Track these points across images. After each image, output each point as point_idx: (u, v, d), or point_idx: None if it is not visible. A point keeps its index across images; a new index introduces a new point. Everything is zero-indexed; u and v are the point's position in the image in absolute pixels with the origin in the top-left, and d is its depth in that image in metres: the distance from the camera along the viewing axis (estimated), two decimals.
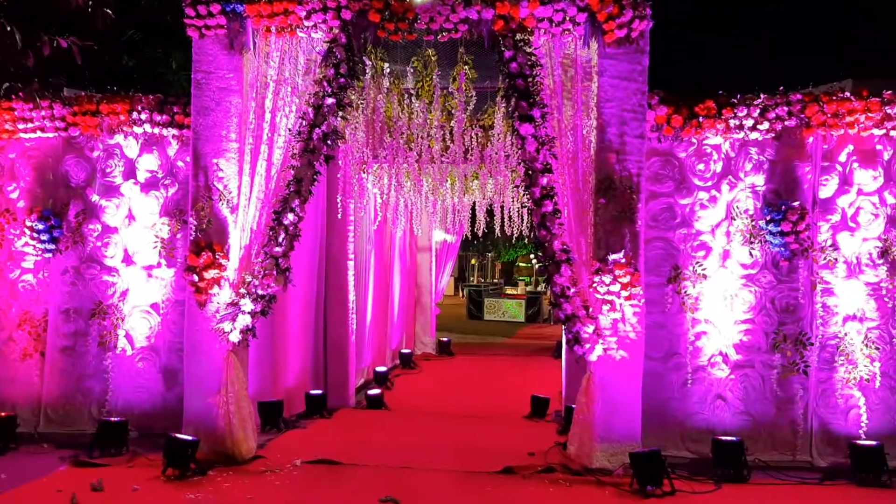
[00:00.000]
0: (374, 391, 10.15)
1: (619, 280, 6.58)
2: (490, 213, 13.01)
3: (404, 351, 13.96)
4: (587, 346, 6.63)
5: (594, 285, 6.64)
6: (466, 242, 22.56)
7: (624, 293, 6.61)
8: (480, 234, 14.59)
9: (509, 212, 12.46)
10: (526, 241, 16.21)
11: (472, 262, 45.24)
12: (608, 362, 6.69)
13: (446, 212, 13.88)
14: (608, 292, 6.62)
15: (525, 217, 12.53)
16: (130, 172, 7.65)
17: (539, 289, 33.75)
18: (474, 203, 13.09)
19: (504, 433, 8.47)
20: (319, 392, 9.38)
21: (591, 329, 6.61)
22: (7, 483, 6.15)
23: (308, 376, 9.66)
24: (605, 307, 6.65)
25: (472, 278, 43.77)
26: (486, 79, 7.96)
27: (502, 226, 12.90)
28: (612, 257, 6.61)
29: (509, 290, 32.05)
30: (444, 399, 11.01)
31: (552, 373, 12.60)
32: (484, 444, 7.84)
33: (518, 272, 44.02)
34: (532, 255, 36.46)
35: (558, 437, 7.87)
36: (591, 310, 6.66)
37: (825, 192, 7.04)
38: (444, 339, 15.72)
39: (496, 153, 8.63)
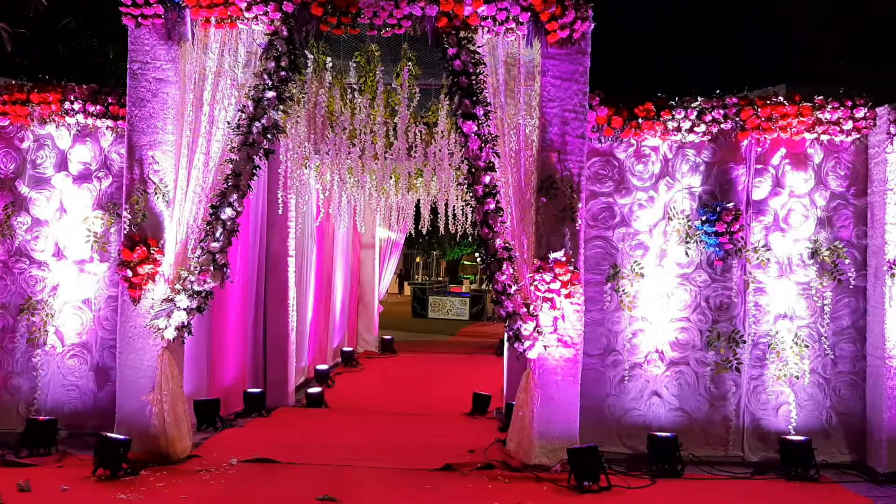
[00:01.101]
0: (315, 389, 10.06)
1: (560, 278, 6.64)
2: (434, 211, 13.00)
3: (346, 349, 13.87)
4: (527, 343, 6.67)
5: (535, 283, 6.69)
6: (411, 240, 22.55)
7: (564, 291, 6.67)
8: (425, 232, 14.56)
9: (453, 210, 12.46)
10: (470, 239, 16.19)
11: (417, 260, 45.16)
12: (548, 359, 6.75)
13: (390, 209, 13.84)
14: (548, 290, 6.68)
15: (469, 215, 12.51)
16: (62, 164, 7.41)
17: (483, 287, 33.92)
18: (419, 201, 13.05)
19: (445, 430, 8.48)
20: (258, 391, 9.26)
21: (531, 326, 6.66)
22: None
23: (246, 374, 9.52)
24: (546, 305, 6.71)
25: (416, 276, 43.71)
26: (430, 76, 7.95)
27: (447, 224, 12.91)
28: (552, 255, 6.66)
29: (454, 289, 32.07)
30: (386, 397, 10.99)
31: (495, 370, 12.66)
32: (425, 441, 7.83)
33: (463, 270, 44.04)
34: (477, 254, 36.56)
35: (499, 434, 7.91)
36: (531, 307, 6.71)
37: (758, 194, 7.22)
38: (387, 336, 15.68)
39: (440, 151, 8.62)
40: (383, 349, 15.40)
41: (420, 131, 8.50)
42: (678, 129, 7.08)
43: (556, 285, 6.65)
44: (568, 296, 6.70)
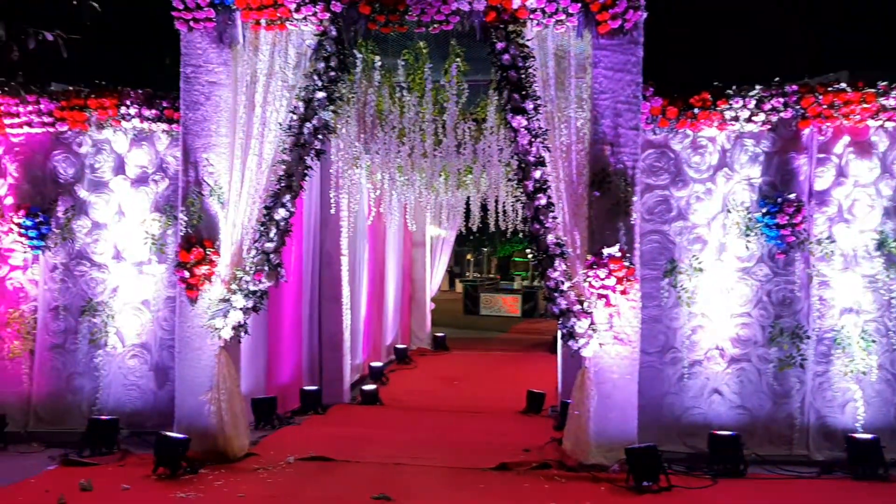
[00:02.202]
0: (369, 387, 10.11)
1: (615, 274, 6.50)
2: (484, 208, 12.93)
3: (399, 346, 13.90)
4: (582, 341, 6.56)
5: (588, 279, 6.57)
6: (462, 237, 22.45)
7: (619, 287, 6.54)
8: (476, 229, 14.49)
9: (503, 206, 12.36)
10: (521, 235, 16.06)
11: (469, 257, 45.16)
12: (603, 357, 6.62)
13: (440, 207, 13.81)
14: (603, 286, 6.55)
15: (519, 211, 12.43)
16: (120, 168, 7.56)
17: (536, 284, 33.74)
18: (468, 198, 12.99)
19: (499, 429, 8.42)
20: (314, 388, 9.34)
21: (585, 324, 6.54)
22: None
23: (302, 372, 9.61)
24: (600, 302, 6.58)
25: (468, 273, 43.70)
26: (479, 72, 7.86)
27: (497, 221, 12.82)
28: (606, 251, 6.53)
29: (505, 286, 31.99)
30: (440, 394, 10.97)
31: (548, 368, 12.47)
32: (479, 439, 7.78)
33: (514, 267, 43.95)
34: (528, 250, 36.47)
35: (554, 433, 7.82)
36: (585, 304, 6.59)
37: (821, 184, 6.97)
38: (440, 334, 15.66)
39: (489, 147, 8.54)
40: (436, 346, 15.39)
41: (469, 128, 8.43)
42: (736, 118, 6.88)
43: (610, 281, 6.52)
44: (623, 292, 6.56)
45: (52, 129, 7.51)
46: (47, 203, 7.56)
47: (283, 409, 8.67)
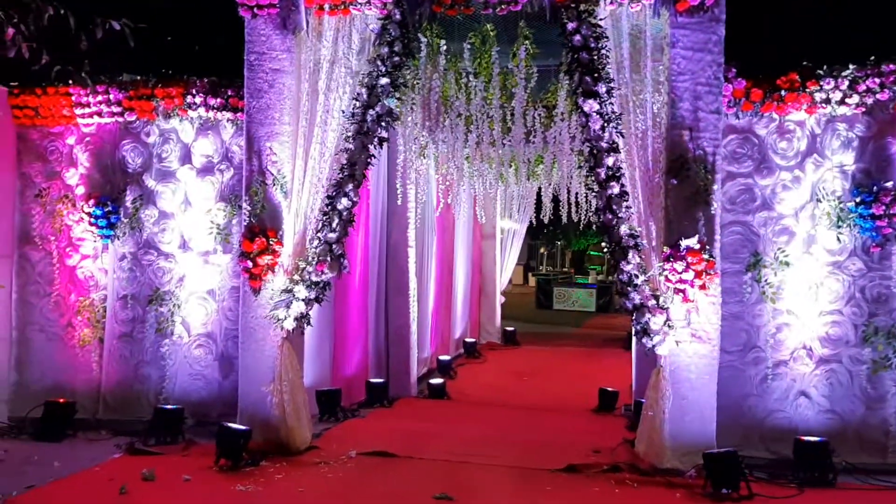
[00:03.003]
0: (437, 381, 9.95)
1: (693, 267, 6.11)
2: (556, 199, 12.59)
3: (468, 340, 13.68)
4: (657, 338, 6.19)
5: (665, 273, 6.19)
6: (535, 230, 22.03)
7: (698, 282, 6.14)
8: (547, 222, 14.13)
9: (576, 197, 11.97)
10: (595, 227, 15.57)
11: (542, 250, 44.60)
12: (680, 356, 6.24)
13: (511, 198, 13.52)
14: (680, 280, 6.16)
15: (593, 202, 12.02)
16: (186, 157, 7.55)
17: (611, 278, 32.84)
18: (539, 189, 12.65)
19: (569, 427, 8.12)
20: (380, 381, 9.21)
21: (661, 320, 6.17)
22: (60, 470, 6.12)
23: (369, 364, 9.50)
24: (677, 297, 6.20)
25: (541, 267, 43.17)
26: (548, 56, 7.53)
27: (569, 212, 12.46)
28: (684, 243, 6.13)
29: (580, 280, 31.36)
30: (508, 390, 10.71)
31: (622, 365, 12.03)
32: (547, 438, 7.50)
33: (589, 261, 43.11)
34: (603, 244, 35.64)
35: (627, 434, 7.48)
36: (661, 299, 6.22)
37: None
38: (510, 328, 15.36)
39: (559, 134, 8.20)
40: (506, 341, 15.10)
41: (539, 114, 8.11)
42: (827, 100, 6.38)
43: (688, 275, 6.12)
44: (702, 287, 6.16)
45: (120, 119, 7.57)
46: (116, 192, 7.62)
47: (349, 402, 8.56)
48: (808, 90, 6.37)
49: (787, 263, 6.54)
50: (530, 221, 14.52)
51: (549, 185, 11.17)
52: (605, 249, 6.40)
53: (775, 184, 6.59)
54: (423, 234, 10.60)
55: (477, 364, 12.86)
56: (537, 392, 10.45)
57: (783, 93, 6.40)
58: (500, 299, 15.22)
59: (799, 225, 6.57)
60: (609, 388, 9.19)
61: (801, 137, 6.56)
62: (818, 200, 6.52)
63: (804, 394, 6.53)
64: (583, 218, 12.48)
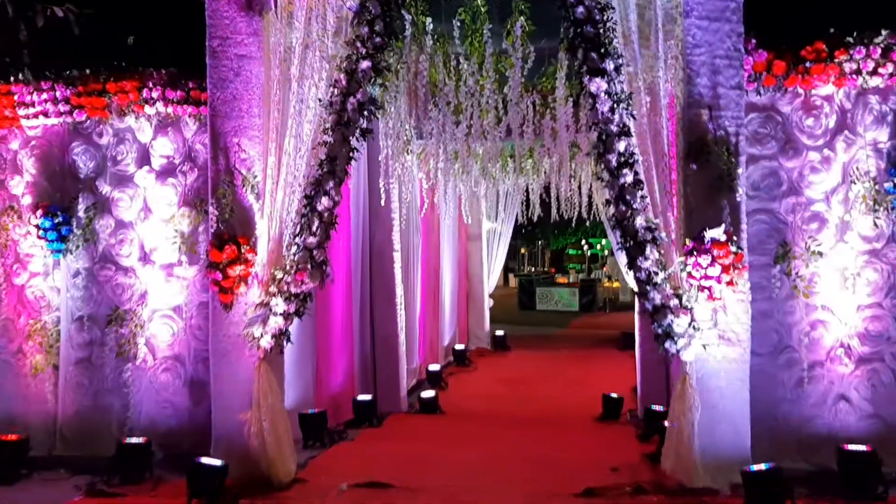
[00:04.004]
0: (428, 393, 9.28)
1: (719, 261, 5.44)
2: (542, 196, 11.96)
3: (458, 347, 12.98)
4: (681, 342, 5.51)
5: (687, 269, 5.52)
6: (515, 230, 21.53)
7: (725, 277, 5.48)
8: (527, 222, 13.54)
9: (567, 193, 11.30)
10: (574, 224, 15.05)
11: (522, 251, 44.09)
12: (708, 361, 5.58)
13: (497, 196, 12.86)
14: (705, 276, 5.50)
15: (584, 198, 11.39)
16: (144, 159, 6.78)
17: (593, 276, 32.54)
18: (527, 187, 12.00)
19: (576, 441, 7.45)
20: (368, 398, 8.50)
21: (685, 322, 5.49)
22: None
23: (355, 380, 8.80)
24: (702, 295, 5.54)
25: (522, 267, 42.67)
26: (543, 37, 6.85)
27: (558, 209, 11.84)
28: (708, 234, 5.47)
29: (560, 279, 30.98)
30: (504, 399, 10.05)
31: (619, 366, 11.72)
32: (555, 455, 6.81)
33: (568, 259, 42.72)
34: (584, 242, 35.27)
35: (640, 446, 6.86)
36: (684, 298, 5.55)
37: None
38: (500, 332, 14.66)
39: (555, 124, 7.50)
40: (496, 346, 14.41)
41: (534, 101, 7.41)
42: (857, 71, 5.77)
43: (714, 270, 5.46)
44: (730, 283, 5.50)
45: (69, 119, 6.79)
46: (67, 201, 6.84)
47: (335, 422, 7.82)
48: (836, 60, 5.76)
49: (819, 253, 5.92)
50: (516, 220, 13.90)
51: (538, 179, 10.37)
52: (619, 245, 5.71)
53: (802, 166, 5.97)
54: (408, 237, 9.93)
55: (468, 373, 12.20)
56: (535, 401, 9.84)
57: (809, 64, 5.78)
58: (488, 303, 14.53)
59: (831, 210, 5.95)
60: (613, 395, 8.62)
61: (830, 113, 5.95)
62: (851, 182, 5.92)
63: (844, 397, 5.91)
64: (573, 213, 11.83)
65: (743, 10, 5.61)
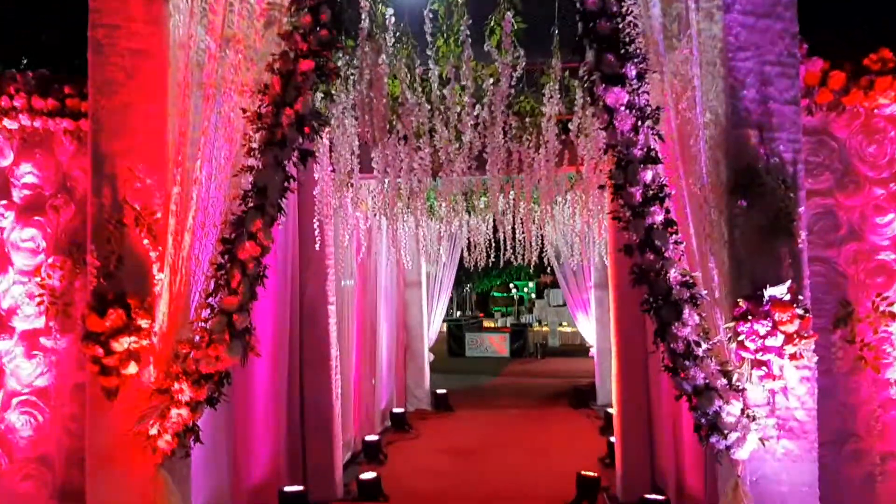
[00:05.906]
0: (368, 475, 7.91)
1: (782, 328, 4.11)
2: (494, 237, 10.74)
3: (396, 410, 11.43)
4: (733, 436, 4.13)
5: (741, 338, 4.18)
6: None
7: (789, 349, 4.14)
8: (466, 264, 12.38)
9: (518, 235, 10.01)
10: (501, 266, 14.00)
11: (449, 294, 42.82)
12: (767, 461, 4.22)
13: (440, 237, 11.44)
14: (762, 348, 4.16)
15: (534, 240, 10.06)
16: (3, 191, 5.05)
17: (523, 320, 31.44)
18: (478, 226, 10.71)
19: None
20: (297, 489, 7.04)
21: (737, 409, 4.13)
22: None
23: (282, 464, 7.21)
24: (757, 372, 4.20)
25: (451, 312, 41.36)
26: (528, 46, 5.46)
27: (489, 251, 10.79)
28: (768, 292, 4.15)
29: (489, 324, 29.98)
30: (455, 476, 8.70)
31: (579, 431, 10.84)
32: None
33: (494, 302, 41.60)
34: (511, 284, 34.23)
35: None
36: (734, 377, 4.20)
37: None
38: (441, 391, 13.07)
39: (540, 153, 6.12)
40: (437, 406, 12.80)
41: (511, 124, 6.01)
42: None
43: (775, 340, 4.12)
44: (793, 356, 4.17)
45: None
46: None
47: None
48: None
49: (890, 315, 4.67)
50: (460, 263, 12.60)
51: (503, 218, 8.89)
52: (646, 305, 4.32)
53: (865, 204, 4.76)
54: (342, 288, 8.39)
55: (409, 440, 10.69)
56: (492, 478, 8.57)
57: (873, 77, 4.60)
58: (428, 357, 12.98)
59: None
60: (588, 473, 7.50)
61: (895, 138, 4.76)
62: None
63: None
64: (524, 258, 10.55)
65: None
